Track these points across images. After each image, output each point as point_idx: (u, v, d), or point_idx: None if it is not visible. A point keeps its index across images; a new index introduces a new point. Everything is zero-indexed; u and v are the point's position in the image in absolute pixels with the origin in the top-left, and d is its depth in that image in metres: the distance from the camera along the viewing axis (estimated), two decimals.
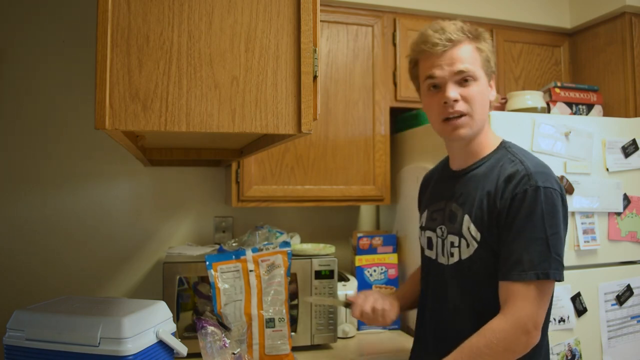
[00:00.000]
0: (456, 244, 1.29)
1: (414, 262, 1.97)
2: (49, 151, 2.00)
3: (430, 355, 1.35)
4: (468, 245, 1.26)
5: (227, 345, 1.45)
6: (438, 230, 1.36)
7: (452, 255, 1.30)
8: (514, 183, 1.19)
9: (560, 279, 1.15)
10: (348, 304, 1.50)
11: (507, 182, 1.20)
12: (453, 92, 1.26)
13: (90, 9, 1.95)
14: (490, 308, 1.19)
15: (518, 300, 1.13)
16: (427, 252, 1.42)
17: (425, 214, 1.45)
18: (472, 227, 1.25)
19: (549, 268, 1.13)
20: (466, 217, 1.26)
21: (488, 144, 1.32)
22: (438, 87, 1.29)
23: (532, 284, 1.13)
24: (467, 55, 1.27)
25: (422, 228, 1.46)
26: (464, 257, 1.27)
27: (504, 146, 1.31)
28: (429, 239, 1.41)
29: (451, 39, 1.27)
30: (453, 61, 1.27)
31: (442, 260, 1.34)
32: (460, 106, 1.27)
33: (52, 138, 2.01)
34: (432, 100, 1.31)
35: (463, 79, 1.27)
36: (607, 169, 1.79)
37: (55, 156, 2.01)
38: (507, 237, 1.18)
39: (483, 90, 1.29)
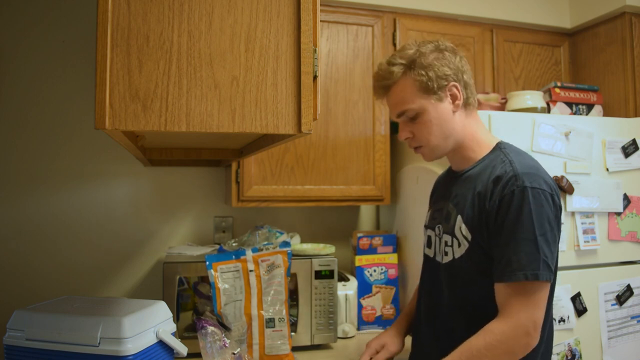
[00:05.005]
0: (449, 243, 1.31)
1: (414, 262, 1.97)
2: (49, 151, 2.00)
3: (428, 354, 1.35)
4: (460, 245, 1.27)
5: (227, 345, 1.45)
6: (437, 229, 1.38)
7: (446, 254, 1.32)
8: (502, 184, 1.19)
9: (548, 279, 1.14)
10: None
11: (496, 183, 1.21)
12: (403, 132, 1.35)
13: (90, 9, 1.95)
14: (481, 308, 1.20)
15: (514, 302, 1.13)
16: (427, 250, 1.44)
17: (429, 213, 1.49)
18: (464, 227, 1.25)
19: (538, 269, 1.12)
20: (459, 217, 1.28)
21: (482, 146, 1.32)
22: None
23: (524, 285, 1.13)
24: (402, 95, 1.30)
25: (425, 226, 1.48)
26: (456, 256, 1.28)
27: (499, 147, 1.31)
28: (429, 238, 1.44)
29: (384, 85, 1.33)
30: (393, 105, 1.34)
31: (438, 258, 1.36)
32: (415, 142, 1.34)
33: (52, 138, 2.00)
34: None
35: (409, 117, 1.31)
36: (607, 169, 1.79)
37: (56, 156, 2.01)
38: (497, 239, 1.18)
39: (434, 116, 1.29)
